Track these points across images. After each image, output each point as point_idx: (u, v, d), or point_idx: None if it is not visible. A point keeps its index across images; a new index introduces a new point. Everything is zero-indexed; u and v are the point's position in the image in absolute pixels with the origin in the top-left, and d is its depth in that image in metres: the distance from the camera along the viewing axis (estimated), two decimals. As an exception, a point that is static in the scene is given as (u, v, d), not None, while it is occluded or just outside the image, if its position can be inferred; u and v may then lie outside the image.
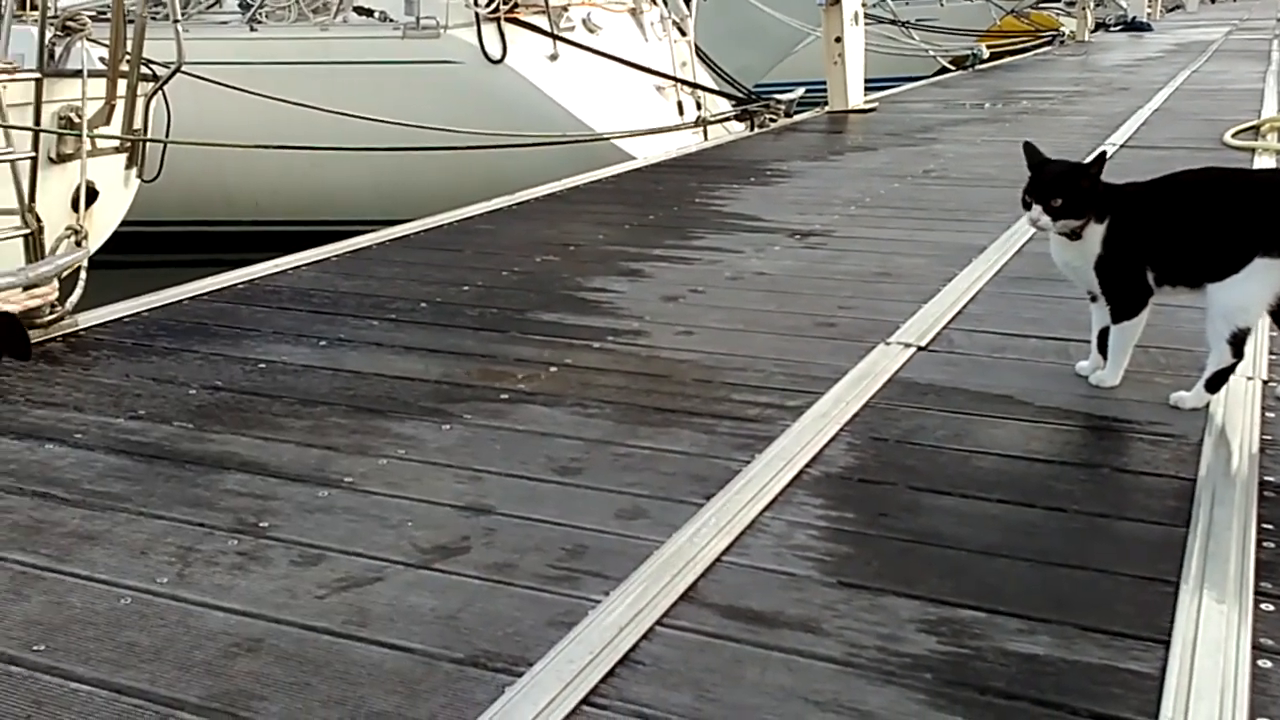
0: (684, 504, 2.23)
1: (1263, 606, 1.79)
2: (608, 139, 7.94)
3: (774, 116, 8.59)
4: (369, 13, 8.56)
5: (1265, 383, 2.75)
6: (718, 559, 2.00)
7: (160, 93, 4.70)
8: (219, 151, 6.10)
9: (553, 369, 3.06)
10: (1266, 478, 2.25)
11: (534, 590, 1.91)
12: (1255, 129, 6.87)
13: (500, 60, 8.15)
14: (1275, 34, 18.84)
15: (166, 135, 4.93)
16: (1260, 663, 1.65)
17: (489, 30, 8.14)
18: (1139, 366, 2.92)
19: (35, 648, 1.76)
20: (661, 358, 3.16)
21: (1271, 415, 2.56)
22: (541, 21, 8.33)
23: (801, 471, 2.37)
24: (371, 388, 2.94)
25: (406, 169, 7.92)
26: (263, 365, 3.14)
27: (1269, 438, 2.44)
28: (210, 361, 3.18)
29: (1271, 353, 2.98)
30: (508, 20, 8.24)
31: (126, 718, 1.60)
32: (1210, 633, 1.71)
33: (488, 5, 8.17)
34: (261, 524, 2.18)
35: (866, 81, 9.78)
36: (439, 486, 2.32)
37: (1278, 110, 7.90)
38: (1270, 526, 2.05)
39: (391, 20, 8.32)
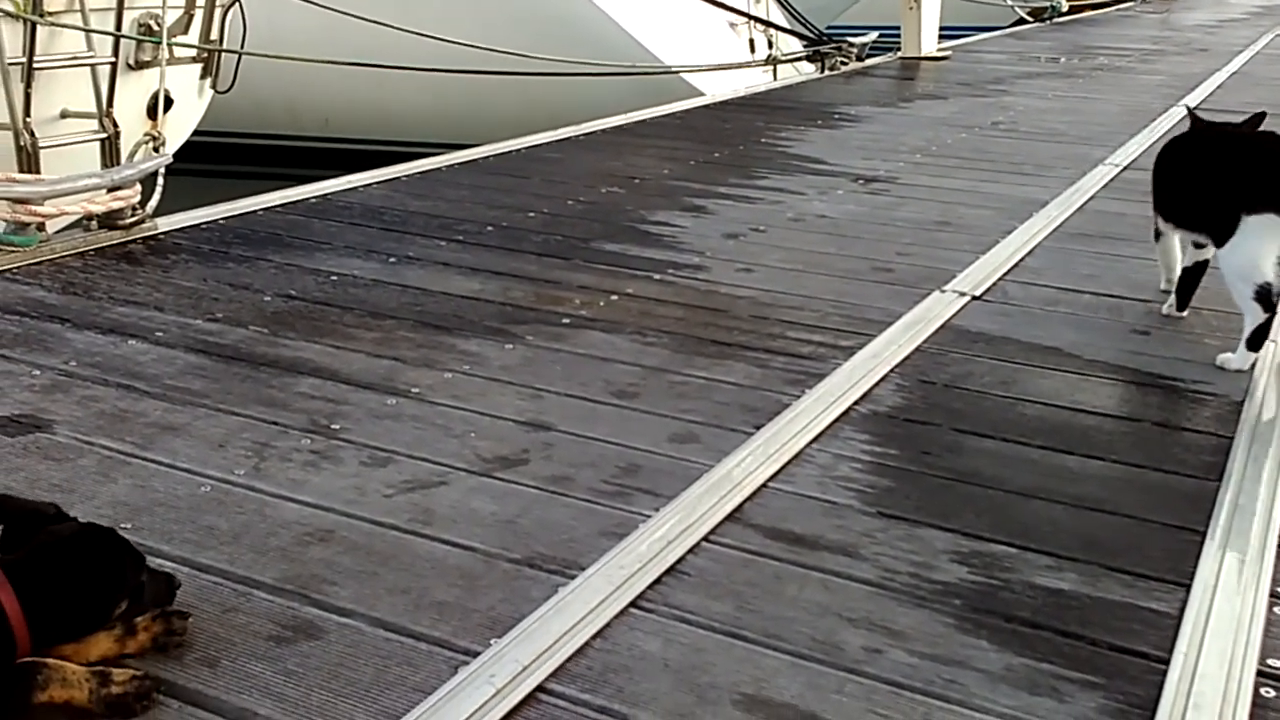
0: (735, 432, 2.32)
1: (1287, 560, 1.86)
2: (676, 72, 7.95)
3: (845, 60, 8.52)
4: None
5: (1313, 349, 2.78)
6: (764, 484, 2.09)
7: (238, 4, 4.80)
8: (290, 67, 6.19)
9: (613, 297, 3.16)
10: (1305, 440, 2.29)
11: (588, 502, 2.02)
12: (1336, 96, 6.73)
13: None
14: (1370, -1, 18.20)
15: (241, 47, 5.03)
16: (1277, 609, 1.72)
17: (566, -42, 8.14)
18: (1191, 327, 2.96)
19: (123, 525, 1.90)
20: (720, 292, 3.24)
21: (1309, 379, 2.59)
22: (615, -49, 8.31)
23: (850, 408, 2.45)
24: (438, 305, 3.06)
25: (472, 92, 7.99)
26: (334, 277, 3.26)
27: (1312, 401, 2.48)
28: (284, 271, 3.31)
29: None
30: (584, -52, 8.23)
31: (206, 593, 1.73)
32: (1229, 579, 1.78)
33: (562, -68, 8.17)
34: (333, 426, 2.30)
35: (942, 29, 9.64)
36: (501, 401, 2.44)
37: (1362, 78, 7.72)
38: (1303, 487, 2.11)
39: None
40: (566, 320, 2.96)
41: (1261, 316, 2.59)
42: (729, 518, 1.97)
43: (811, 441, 2.28)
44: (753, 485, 2.08)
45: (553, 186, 4.49)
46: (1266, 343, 2.79)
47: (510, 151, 5.10)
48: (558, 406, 2.43)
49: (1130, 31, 12.36)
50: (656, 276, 3.36)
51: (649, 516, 1.96)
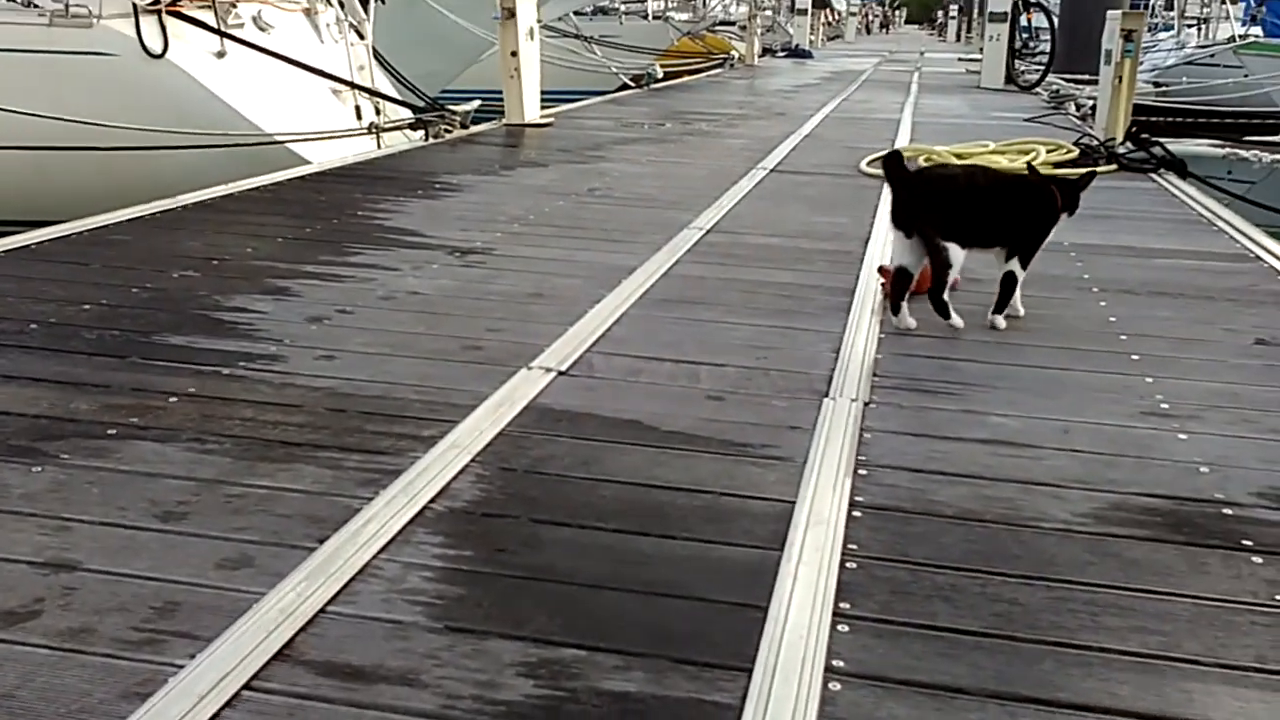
0: (295, 549, 2.12)
1: (839, 628, 1.91)
2: (273, 141, 7.62)
3: (450, 127, 8.51)
4: (10, -4, 7.82)
5: (866, 404, 2.96)
6: (321, 610, 1.92)
7: None
8: None
9: (172, 399, 2.87)
10: (857, 499, 2.41)
11: (110, 658, 1.75)
12: (889, 158, 7.46)
13: (161, 55, 7.66)
14: (916, 67, 20.66)
15: None
16: (830, 685, 1.75)
17: (149, 23, 7.64)
18: (759, 390, 3.08)
19: None
20: (296, 385, 3.02)
21: (868, 437, 2.75)
22: (208, 17, 7.89)
23: (425, 507, 2.33)
24: (-46, 425, 2.64)
25: (57, 168, 7.30)
26: None
27: (864, 458, 2.62)
28: None
29: (875, 375, 3.20)
30: (170, 13, 7.75)
31: None
32: (789, 658, 1.80)
33: (147, -4, 7.67)
34: None
35: (551, 93, 9.88)
36: (17, 540, 2.11)
37: (909, 140, 8.62)
38: (855, 547, 2.19)
39: (37, 6, 7.64)
40: (113, 431, 2.65)
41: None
42: (277, 656, 1.77)
43: (380, 551, 2.13)
44: (309, 612, 1.90)
45: (115, 273, 4.08)
46: (826, 401, 2.97)
47: (69, 235, 4.61)
48: (89, 539, 2.13)
49: (719, 96, 13.26)
50: (225, 371, 3.09)
51: (181, 667, 1.73)
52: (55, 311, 3.57)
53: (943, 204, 3.60)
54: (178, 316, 3.59)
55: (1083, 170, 4.22)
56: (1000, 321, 3.69)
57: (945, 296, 3.63)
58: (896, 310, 3.66)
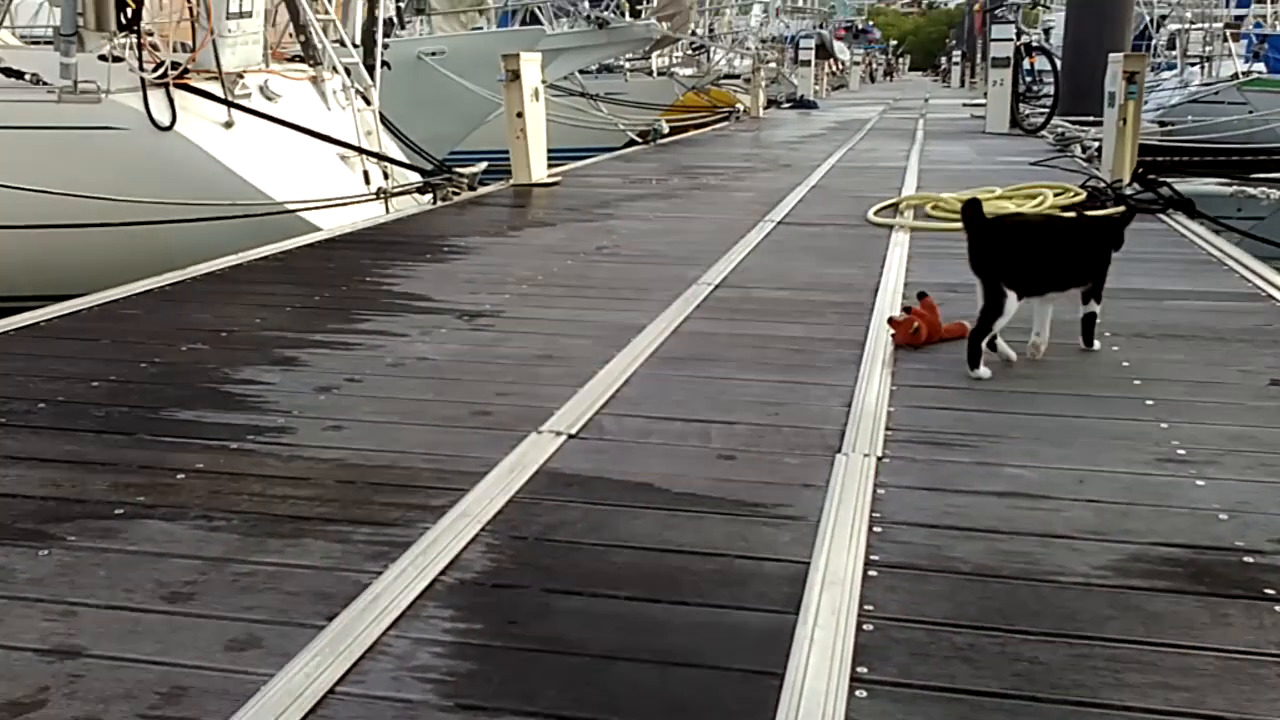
0: (304, 627, 2.10)
1: (857, 693, 1.87)
2: (283, 210, 7.70)
3: (458, 189, 8.57)
4: (18, 74, 7.95)
5: (879, 459, 2.93)
6: (330, 690, 1.89)
7: None
8: None
9: (180, 476, 2.86)
10: (873, 557, 2.37)
11: (115, 746, 1.73)
12: (894, 206, 7.48)
13: (169, 127, 7.77)
14: (921, 113, 20.79)
15: None
16: (849, 755, 1.71)
17: (156, 96, 7.76)
18: (771, 447, 3.05)
19: None
20: (304, 457, 3.01)
21: (882, 492, 2.72)
22: (215, 88, 8.01)
23: (436, 579, 2.30)
24: (-39, 509, 2.64)
25: (68, 244, 7.39)
26: None
27: (878, 514, 2.59)
28: None
29: (888, 428, 3.17)
30: (177, 86, 7.87)
31: None
32: (806, 728, 1.76)
33: (154, 71, 7.79)
34: None
35: (558, 152, 9.96)
36: (21, 626, 2.09)
37: (915, 188, 8.64)
38: (871, 608, 2.15)
39: (46, 84, 7.76)
40: (120, 511, 2.63)
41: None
42: (284, 740, 1.75)
43: (390, 627, 2.10)
44: (317, 693, 1.87)
45: (125, 348, 4.10)
46: (839, 457, 2.94)
47: (79, 311, 4.64)
48: (94, 623, 2.11)
49: (725, 150, 13.35)
50: (233, 445, 3.08)
51: (187, 755, 1.70)
52: (64, 389, 3.58)
53: (1017, 251, 3.73)
54: (186, 391, 3.59)
55: (1122, 209, 4.43)
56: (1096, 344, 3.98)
57: (983, 344, 3.68)
58: (975, 364, 3.67)
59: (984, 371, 3.63)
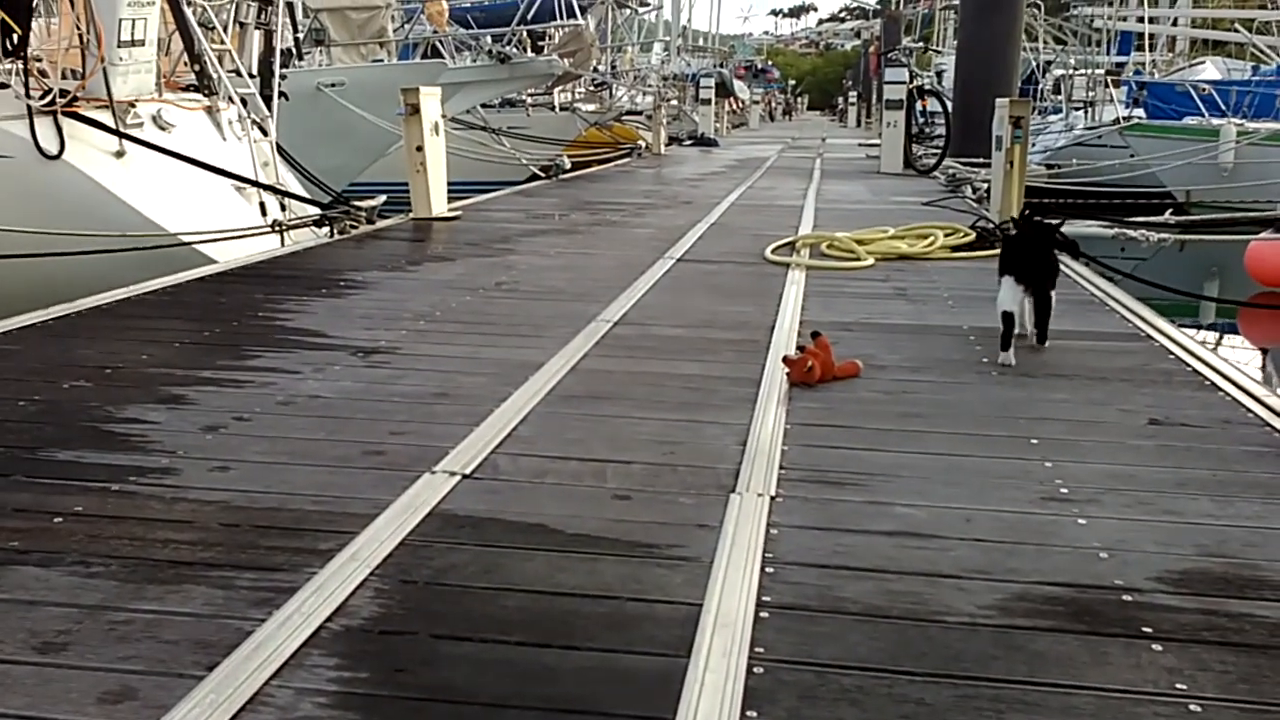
0: (182, 678, 2.03)
1: (746, 738, 1.88)
2: (176, 243, 7.51)
3: (355, 223, 8.47)
4: (-102, 99, 7.65)
5: (773, 498, 2.96)
6: (207, 744, 1.83)
7: None
8: None
9: (56, 520, 2.75)
10: (764, 598, 2.39)
11: (-26, 810, 1.65)
12: (791, 245, 7.60)
13: (57, 156, 7.54)
14: (819, 152, 21.23)
15: None
16: (737, 801, 1.71)
17: (43, 124, 7.53)
18: (667, 487, 3.06)
19: None
20: (188, 499, 2.93)
21: (775, 532, 2.74)
22: (105, 117, 7.80)
23: (321, 626, 2.25)
24: None
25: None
26: None
27: (770, 555, 2.61)
28: None
29: (781, 467, 3.21)
30: (66, 114, 7.65)
31: None
32: (695, 775, 1.76)
33: (42, 98, 7.56)
34: None
35: (459, 185, 9.90)
36: (-122, 682, 1.98)
37: (812, 226, 8.80)
38: (762, 650, 2.16)
39: None
40: (-10, 557, 2.52)
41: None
42: (157, 799, 1.68)
43: (272, 677, 2.04)
44: (193, 748, 1.81)
45: (3, 385, 3.95)
46: (733, 496, 2.96)
47: (-47, 346, 4.46)
48: (-42, 678, 2.01)
49: (627, 186, 13.44)
50: (114, 487, 2.98)
51: (52, 818, 1.63)
52: (-66, 428, 3.43)
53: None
54: (66, 430, 3.47)
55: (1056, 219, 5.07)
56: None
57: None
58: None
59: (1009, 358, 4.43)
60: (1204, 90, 18.09)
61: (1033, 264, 4.62)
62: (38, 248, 6.90)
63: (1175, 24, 26.65)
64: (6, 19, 7.59)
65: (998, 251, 5.14)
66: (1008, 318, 4.48)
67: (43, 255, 6.90)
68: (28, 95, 7.48)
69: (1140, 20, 24.21)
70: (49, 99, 7.54)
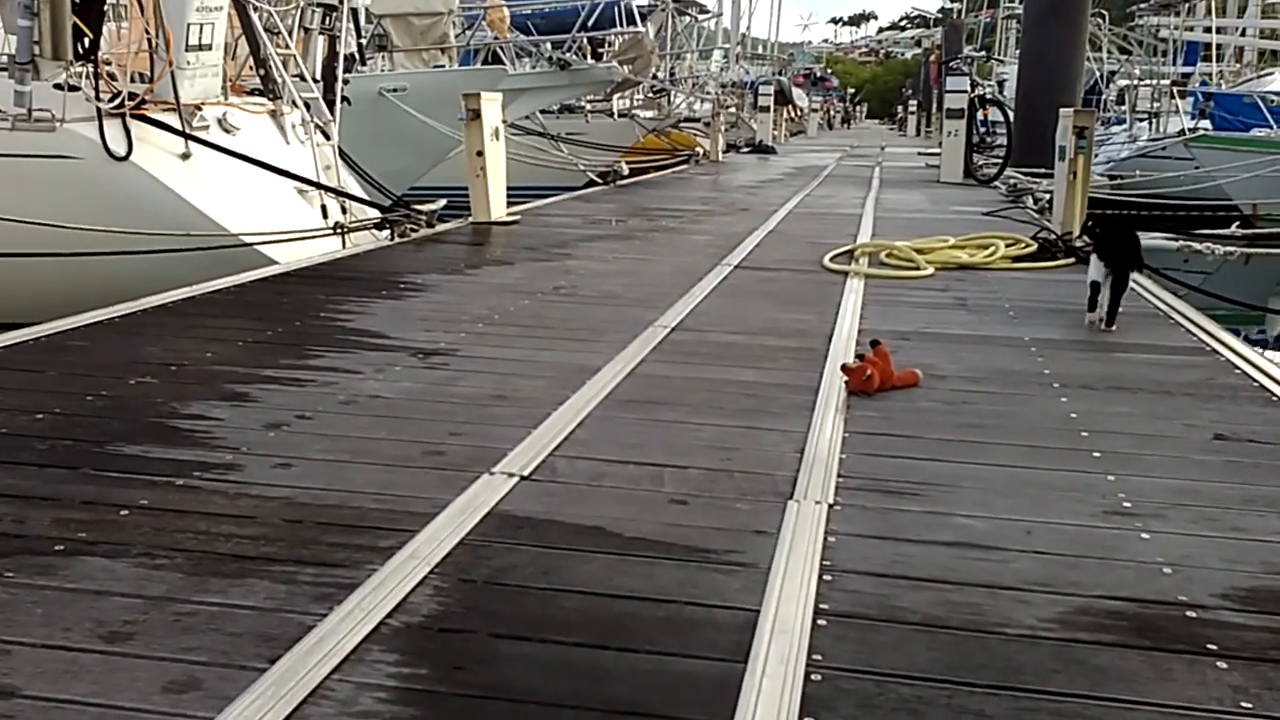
0: (245, 670, 2.06)
1: (804, 746, 1.87)
2: (238, 243, 7.63)
3: (415, 226, 8.56)
4: (-28, 102, 7.86)
5: (830, 506, 2.94)
6: (269, 735, 1.86)
7: None
8: None
9: (123, 512, 2.81)
10: (822, 606, 2.37)
11: (45, 792, 1.69)
12: (850, 253, 7.56)
13: (125, 157, 7.70)
14: (877, 161, 21.09)
15: None
16: (795, 808, 1.70)
17: (112, 126, 7.70)
18: (724, 493, 3.06)
19: None
20: (251, 495, 2.97)
21: (833, 540, 2.72)
22: (172, 119, 7.95)
23: (381, 622, 2.27)
24: (-106, 545, 2.57)
25: (17, 273, 7.27)
26: None
27: (828, 563, 2.59)
28: None
29: (839, 475, 3.19)
30: (134, 117, 7.81)
31: None
32: (752, 780, 1.75)
33: (111, 100, 7.73)
34: None
35: (518, 190, 9.97)
36: (-47, 668, 2.04)
37: (871, 235, 8.74)
38: (820, 657, 2.15)
39: (0, 111, 7.67)
40: (60, 547, 2.58)
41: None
42: (221, 787, 1.71)
43: (333, 671, 2.07)
44: (256, 739, 1.84)
45: (72, 380, 4.03)
46: (790, 504, 2.94)
47: (25, 342, 4.56)
48: (30, 663, 2.06)
49: (684, 193, 13.44)
50: (179, 482, 3.04)
51: (120, 802, 1.66)
52: (7, 421, 3.52)
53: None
54: (133, 425, 3.54)
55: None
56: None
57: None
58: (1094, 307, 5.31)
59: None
60: (1272, 102, 17.71)
61: (1116, 248, 5.28)
62: (105, 246, 7.05)
63: (1243, 34, 26.18)
64: (79, 23, 7.76)
65: (1060, 263, 5.17)
66: (1094, 285, 5.30)
67: (110, 254, 7.05)
68: (97, 98, 7.64)
69: (1207, 30, 23.81)
70: (118, 101, 7.69)
